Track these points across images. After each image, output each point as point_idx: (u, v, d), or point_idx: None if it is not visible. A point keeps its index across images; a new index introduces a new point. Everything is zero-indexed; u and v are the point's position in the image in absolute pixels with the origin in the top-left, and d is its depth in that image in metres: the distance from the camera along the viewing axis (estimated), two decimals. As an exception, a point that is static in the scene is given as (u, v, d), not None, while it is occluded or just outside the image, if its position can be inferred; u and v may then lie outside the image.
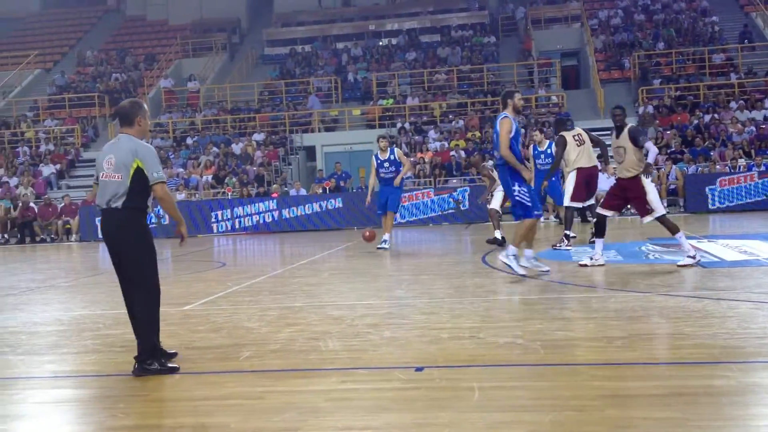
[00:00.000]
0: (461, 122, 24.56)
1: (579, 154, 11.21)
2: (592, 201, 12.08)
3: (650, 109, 23.15)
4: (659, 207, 9.07)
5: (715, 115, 22.20)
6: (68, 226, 21.55)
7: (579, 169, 11.16)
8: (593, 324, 6.12)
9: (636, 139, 8.95)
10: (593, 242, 9.61)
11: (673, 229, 8.86)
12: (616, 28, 29.26)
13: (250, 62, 32.61)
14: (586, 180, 11.22)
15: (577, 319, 6.38)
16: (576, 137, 11.24)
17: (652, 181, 9.94)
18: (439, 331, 6.09)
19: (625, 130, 9.09)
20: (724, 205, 18.26)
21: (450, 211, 19.44)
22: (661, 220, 8.97)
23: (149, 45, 35.35)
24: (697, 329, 5.72)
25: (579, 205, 11.71)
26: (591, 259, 9.25)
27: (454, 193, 19.59)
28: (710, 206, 18.33)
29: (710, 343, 5.35)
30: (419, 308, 7.24)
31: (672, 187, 19.20)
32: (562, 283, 8.57)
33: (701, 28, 27.98)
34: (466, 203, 19.32)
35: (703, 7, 29.36)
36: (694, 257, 8.78)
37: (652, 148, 9.37)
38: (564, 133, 11.34)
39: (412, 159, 22.58)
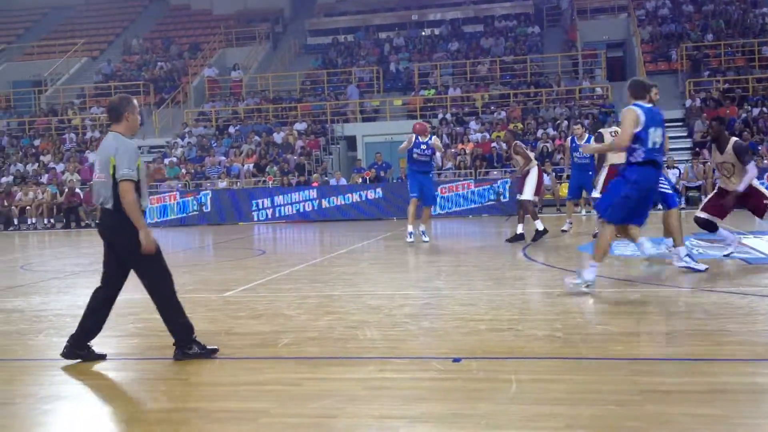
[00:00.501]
0: (503, 113, 24.38)
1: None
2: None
3: (698, 102, 22.73)
4: None
5: (764, 109, 21.72)
6: (113, 212, 21.91)
7: (611, 166, 11.13)
8: (635, 319, 6.05)
9: (742, 158, 8.81)
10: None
11: None
12: (663, 18, 28.73)
13: (293, 52, 32.76)
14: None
15: (618, 313, 6.31)
16: (613, 134, 11.13)
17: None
18: (477, 322, 6.08)
19: (730, 146, 8.90)
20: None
21: (490, 202, 19.34)
22: None
23: (193, 34, 35.72)
24: (741, 326, 5.61)
25: None
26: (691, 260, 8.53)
27: (495, 185, 19.47)
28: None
29: (754, 341, 5.25)
30: (457, 299, 7.23)
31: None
32: (603, 277, 8.47)
33: (751, 20, 27.34)
34: (507, 195, 19.18)
35: (755, -2, 28.73)
36: None
37: (752, 170, 8.98)
38: (602, 130, 11.35)
39: (453, 150, 22.51)
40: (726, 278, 7.84)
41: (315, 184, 21.29)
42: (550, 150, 21.28)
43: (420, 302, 7.15)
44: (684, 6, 29.18)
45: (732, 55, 25.41)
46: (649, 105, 7.03)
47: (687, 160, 19.85)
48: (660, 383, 4.31)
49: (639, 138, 6.81)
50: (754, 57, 24.85)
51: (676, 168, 18.80)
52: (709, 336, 5.34)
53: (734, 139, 9.07)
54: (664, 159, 12.04)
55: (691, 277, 8.08)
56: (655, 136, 6.89)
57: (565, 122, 22.86)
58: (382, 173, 22.12)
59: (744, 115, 21.69)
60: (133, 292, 5.95)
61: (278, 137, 25.16)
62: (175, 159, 24.56)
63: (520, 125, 23.55)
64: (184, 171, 23.71)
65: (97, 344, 5.31)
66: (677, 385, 4.27)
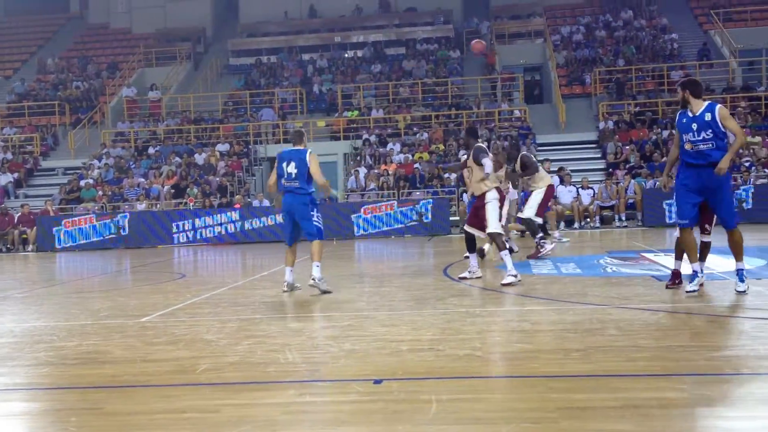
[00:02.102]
0: (425, 135, 24.68)
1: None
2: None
3: (611, 124, 23.50)
4: None
5: (673, 131, 22.60)
6: (25, 236, 21.18)
7: (549, 187, 11.86)
8: (551, 336, 6.17)
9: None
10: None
11: None
12: (578, 44, 29.68)
13: (215, 72, 32.45)
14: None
15: (536, 331, 6.43)
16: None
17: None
18: (398, 343, 6.09)
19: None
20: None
21: (413, 223, 19.50)
22: None
23: (112, 53, 34.99)
24: (652, 342, 5.80)
25: (539, 219, 12.07)
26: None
27: (418, 206, 19.65)
28: (668, 220, 18.60)
29: (664, 356, 5.43)
30: (380, 320, 7.24)
31: (630, 201, 19.48)
32: (522, 295, 8.64)
33: (661, 45, 28.50)
34: (429, 216, 19.38)
35: (663, 24, 29.92)
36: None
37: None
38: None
39: (376, 171, 22.64)
40: (636, 295, 8.08)
41: (237, 206, 21.05)
42: (471, 171, 21.64)
43: (342, 324, 7.14)
44: (597, 32, 30.21)
45: (643, 79, 26.40)
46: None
47: (601, 181, 20.46)
48: (575, 400, 4.41)
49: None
50: (663, 81, 25.89)
51: (591, 188, 19.37)
52: (623, 352, 5.48)
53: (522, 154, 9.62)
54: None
55: (606, 294, 8.31)
56: None
57: (485, 144, 23.29)
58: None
59: (654, 137, 22.54)
60: (45, 319, 5.74)
61: (200, 158, 24.82)
62: (91, 181, 23.92)
63: (441, 146, 23.87)
64: (101, 193, 23.10)
65: (5, 374, 5.10)
66: (592, 401, 4.37)
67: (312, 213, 9.19)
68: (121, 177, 24.18)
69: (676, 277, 8.21)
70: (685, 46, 28.24)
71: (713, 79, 25.85)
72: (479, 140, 9.99)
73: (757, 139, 21.29)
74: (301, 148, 9.32)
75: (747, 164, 20.36)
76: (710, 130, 7.38)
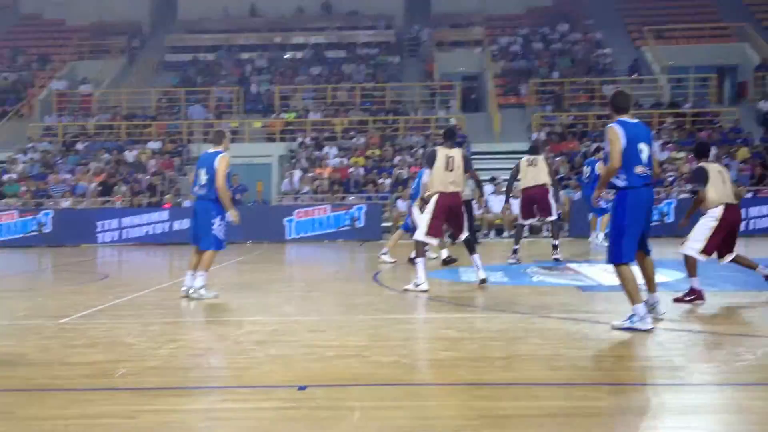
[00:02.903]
0: (362, 139, 24.70)
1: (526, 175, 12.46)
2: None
3: (543, 135, 23.92)
4: None
5: (600, 144, 23.12)
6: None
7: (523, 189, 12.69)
8: (476, 344, 6.23)
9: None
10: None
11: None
12: (515, 55, 30.14)
13: (150, 68, 31.81)
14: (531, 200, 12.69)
15: (462, 339, 6.47)
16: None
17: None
18: (325, 349, 6.06)
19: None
20: (607, 231, 18.95)
21: (346, 227, 19.46)
22: None
23: (44, 45, 33.96)
24: (574, 351, 5.91)
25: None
26: None
27: (351, 210, 19.62)
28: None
29: (585, 365, 5.54)
30: (307, 325, 7.19)
31: (558, 212, 19.81)
32: (450, 303, 8.70)
33: (594, 60, 29.18)
34: (362, 221, 19.37)
35: (598, 39, 30.62)
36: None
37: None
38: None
39: (310, 174, 22.53)
40: (560, 305, 8.22)
41: (167, 206, 20.66)
42: (405, 177, 21.72)
43: (268, 329, 7.06)
44: (534, 44, 30.74)
45: (576, 92, 26.98)
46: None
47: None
48: (498, 408, 4.45)
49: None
50: (595, 95, 26.51)
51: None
52: (546, 361, 5.57)
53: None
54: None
55: (531, 303, 8.44)
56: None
57: (421, 150, 23.44)
58: (237, 196, 21.78)
59: (584, 149, 23.05)
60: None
61: (130, 156, 24.29)
62: (15, 176, 23.14)
63: (378, 151, 23.92)
64: (24, 189, 22.37)
65: None
66: (514, 409, 4.43)
67: (213, 221, 8.79)
68: (46, 173, 23.46)
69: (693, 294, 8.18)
70: (617, 62, 28.97)
71: (642, 94, 26.56)
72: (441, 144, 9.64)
73: (682, 154, 21.97)
74: (219, 149, 8.88)
75: (670, 179, 20.99)
76: None
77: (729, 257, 8.41)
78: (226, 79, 30.00)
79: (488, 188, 20.12)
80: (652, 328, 6.43)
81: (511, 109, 26.48)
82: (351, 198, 21.36)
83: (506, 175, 22.38)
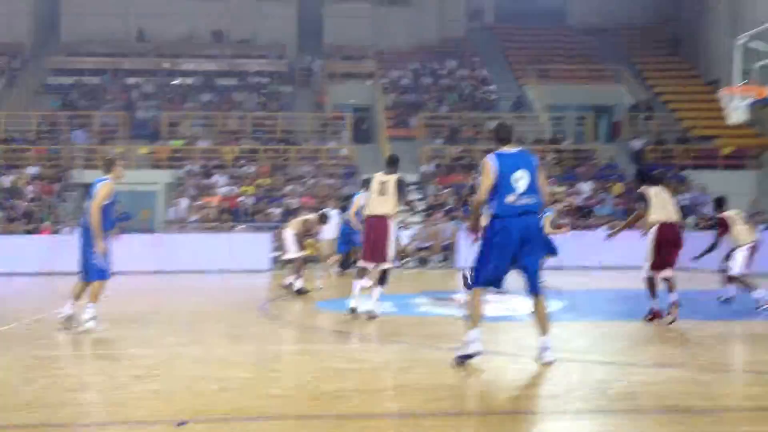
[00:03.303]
0: (252, 168, 24.49)
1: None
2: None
3: (432, 167, 24.43)
4: None
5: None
6: None
7: None
8: (363, 375, 6.25)
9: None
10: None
11: None
12: (405, 88, 30.74)
13: (31, 91, 30.50)
14: None
15: (348, 370, 6.48)
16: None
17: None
18: (208, 382, 5.93)
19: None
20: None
21: (232, 257, 19.11)
22: None
23: None
24: (459, 381, 6.02)
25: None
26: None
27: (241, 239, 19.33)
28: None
29: (469, 395, 5.66)
30: (191, 358, 7.03)
31: (446, 243, 20.24)
32: (338, 333, 8.71)
33: (480, 96, 30.13)
34: (250, 251, 19.10)
35: (483, 76, 31.65)
36: None
37: None
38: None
39: (198, 203, 22.12)
40: (446, 335, 8.37)
41: (45, 233, 19.76)
42: (295, 207, 21.67)
43: (149, 362, 6.85)
44: (423, 78, 31.47)
45: (463, 126, 27.71)
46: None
47: (420, 222, 21.15)
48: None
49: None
50: (481, 129, 27.33)
51: (410, 229, 19.94)
52: (431, 391, 5.64)
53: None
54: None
55: (417, 333, 8.55)
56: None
57: (311, 180, 23.47)
58: (120, 224, 21.11)
59: (471, 182, 23.68)
60: None
61: (6, 181, 23.16)
62: None
63: (268, 180, 23.76)
64: None
65: None
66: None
67: (92, 251, 8.34)
68: None
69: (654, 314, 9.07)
70: (502, 98, 30.00)
71: (525, 130, 27.58)
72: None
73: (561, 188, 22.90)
74: (107, 177, 8.60)
75: (547, 212, 21.81)
76: None
77: (667, 272, 9.12)
78: (112, 103, 29.15)
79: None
80: (479, 352, 6.33)
81: (401, 141, 26.90)
82: (240, 227, 21.10)
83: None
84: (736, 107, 11.29)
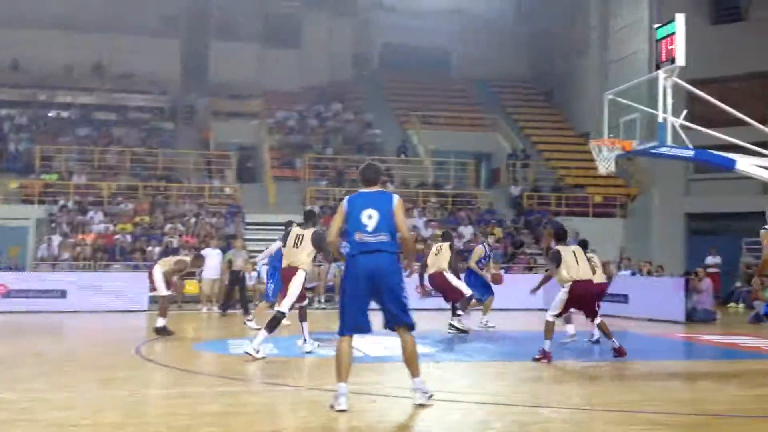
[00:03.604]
0: (130, 205, 23.74)
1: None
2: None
3: (317, 208, 24.46)
4: None
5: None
6: None
7: None
8: (242, 419, 6.11)
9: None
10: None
11: None
12: (291, 129, 30.77)
13: None
14: None
15: (227, 414, 6.32)
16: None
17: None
18: (75, 428, 5.65)
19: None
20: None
21: (110, 296, 18.35)
22: None
23: None
24: (341, 423, 5.98)
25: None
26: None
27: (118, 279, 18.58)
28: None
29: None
30: (56, 403, 6.66)
31: (330, 284, 20.21)
32: (216, 376, 8.49)
33: (365, 139, 30.54)
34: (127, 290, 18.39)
35: (368, 119, 32.14)
36: None
37: None
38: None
39: (71, 240, 21.21)
40: (330, 376, 8.31)
41: None
42: (175, 246, 21.12)
43: (14, 407, 6.44)
44: (309, 119, 31.62)
45: (348, 168, 27.95)
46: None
47: (305, 263, 21.01)
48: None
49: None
50: (366, 172, 27.64)
51: (295, 269, 19.77)
52: (309, 433, 5.58)
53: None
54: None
55: (299, 374, 8.45)
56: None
57: (193, 219, 22.98)
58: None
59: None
60: None
61: None
62: None
63: (147, 218, 23.09)
64: None
65: None
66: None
67: None
68: None
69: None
70: (386, 142, 30.52)
71: (409, 174, 28.14)
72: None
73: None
74: None
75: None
76: None
77: (597, 320, 10.13)
78: (-20, 134, 27.69)
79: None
80: (344, 410, 6.15)
81: (286, 181, 26.85)
82: (116, 266, 20.35)
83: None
84: (605, 158, 11.87)
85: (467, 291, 12.97)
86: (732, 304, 20.39)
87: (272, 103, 32.08)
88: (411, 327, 6.44)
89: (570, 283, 9.59)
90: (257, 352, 9.25)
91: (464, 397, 7.28)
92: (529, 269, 22.32)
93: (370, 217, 6.34)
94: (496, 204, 26.87)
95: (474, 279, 13.89)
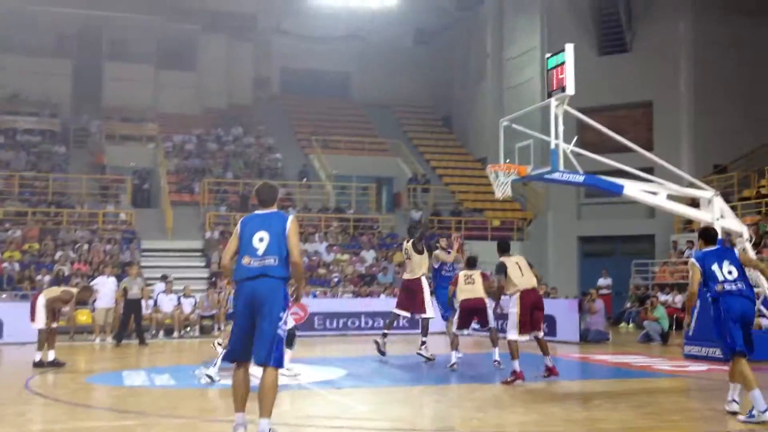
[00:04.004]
0: (18, 232, 22.68)
1: None
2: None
3: (216, 234, 24.04)
4: None
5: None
6: None
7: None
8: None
9: None
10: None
11: None
12: (189, 153, 30.20)
13: None
14: None
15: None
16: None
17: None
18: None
19: None
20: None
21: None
22: None
23: None
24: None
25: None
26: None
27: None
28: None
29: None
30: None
31: (230, 311, 19.82)
32: (112, 410, 8.18)
33: (266, 163, 30.31)
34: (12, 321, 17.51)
35: (269, 144, 31.93)
36: None
37: None
38: None
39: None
40: (227, 407, 8.13)
41: None
42: (66, 274, 20.28)
43: None
44: (208, 143, 31.12)
45: (249, 193, 27.65)
46: None
47: (203, 290, 20.58)
48: None
49: None
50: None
51: (193, 297, 19.32)
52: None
53: None
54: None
55: (196, 406, 8.24)
56: None
57: (86, 245, 22.16)
58: None
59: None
60: None
61: None
62: None
63: (36, 245, 22.12)
64: None
65: None
66: None
67: None
68: None
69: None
70: (288, 167, 30.37)
71: (311, 198, 28.08)
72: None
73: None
74: None
75: (335, 279, 22.21)
76: None
77: (536, 333, 9.98)
78: None
79: (159, 286, 19.55)
80: None
81: (184, 206, 26.30)
82: (2, 296, 19.38)
83: (178, 273, 22.14)
84: (501, 183, 12.20)
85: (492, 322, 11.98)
86: (623, 324, 21.21)
87: (169, 126, 31.45)
88: (276, 366, 6.05)
89: (518, 293, 9.76)
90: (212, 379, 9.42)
91: (366, 423, 7.27)
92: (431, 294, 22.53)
93: (261, 240, 6.12)
94: (397, 228, 27.14)
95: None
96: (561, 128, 11.83)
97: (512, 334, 9.78)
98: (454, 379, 10.77)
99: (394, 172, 31.07)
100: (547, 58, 12.20)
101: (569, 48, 11.67)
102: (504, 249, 10.33)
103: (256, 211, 6.40)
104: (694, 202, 13.45)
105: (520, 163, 12.34)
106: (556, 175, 11.97)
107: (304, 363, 12.55)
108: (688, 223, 22.39)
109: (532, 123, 13.48)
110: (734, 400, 7.47)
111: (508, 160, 12.49)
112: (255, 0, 33.38)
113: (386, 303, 20.69)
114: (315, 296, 20.59)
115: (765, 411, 6.90)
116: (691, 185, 13.63)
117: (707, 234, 7.84)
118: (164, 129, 31.09)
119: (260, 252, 6.09)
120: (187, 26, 33.36)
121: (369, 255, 24.17)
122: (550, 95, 11.96)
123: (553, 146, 11.79)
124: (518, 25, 30.17)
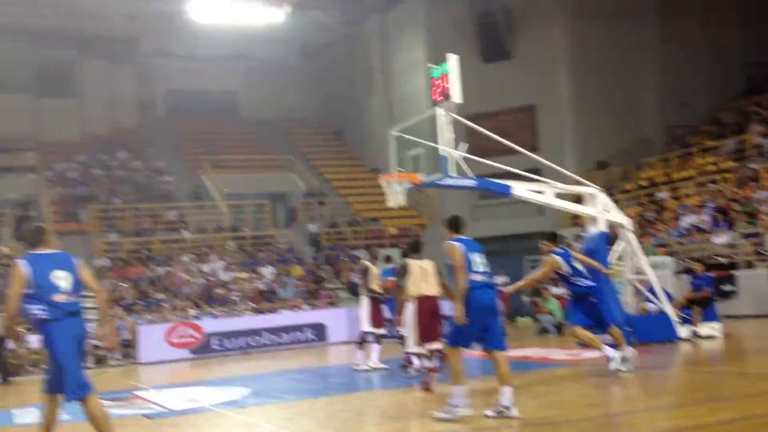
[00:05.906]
0: None
1: None
2: None
3: (107, 261, 23.22)
4: None
5: (169, 269, 23.24)
6: None
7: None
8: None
9: None
10: None
11: None
12: (73, 181, 29.07)
13: None
14: None
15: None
16: None
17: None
18: None
19: None
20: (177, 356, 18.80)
21: None
22: None
23: None
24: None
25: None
26: None
27: None
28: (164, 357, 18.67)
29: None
30: None
31: (126, 339, 19.12)
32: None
33: (156, 186, 29.50)
34: None
35: (158, 166, 31.10)
36: None
37: None
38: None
39: None
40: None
41: None
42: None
43: None
44: (93, 170, 30.02)
45: (140, 217, 26.81)
46: None
47: (94, 320, 19.75)
48: None
49: None
50: (158, 220, 26.66)
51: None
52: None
53: None
54: None
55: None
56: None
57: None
58: None
59: (150, 274, 22.89)
60: None
61: None
62: None
63: None
64: None
65: None
66: None
67: None
68: None
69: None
70: (179, 188, 29.63)
71: (206, 219, 27.47)
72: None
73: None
74: None
75: (235, 298, 21.84)
76: None
77: (435, 345, 9.33)
78: None
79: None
80: None
81: (71, 235, 25.26)
82: None
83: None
84: (395, 192, 12.30)
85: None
86: (519, 318, 21.86)
87: (49, 154, 30.16)
88: (82, 398, 6.30)
89: (416, 299, 9.32)
90: None
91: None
92: (331, 304, 22.51)
93: (62, 279, 6.30)
94: (295, 243, 26.94)
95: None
96: (451, 135, 12.05)
97: (409, 346, 9.69)
98: (359, 387, 10.76)
99: (289, 187, 30.88)
100: (431, 69, 12.39)
101: (453, 58, 11.89)
102: (415, 250, 9.88)
103: (38, 251, 6.43)
104: (579, 199, 13.95)
105: (412, 171, 12.48)
106: (448, 181, 12.18)
107: (205, 386, 12.27)
108: (575, 218, 23.21)
109: (422, 131, 13.66)
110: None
111: (400, 169, 12.60)
112: (135, 23, 32.49)
113: (289, 317, 20.54)
114: (215, 317, 20.23)
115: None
116: (576, 182, 14.15)
117: (454, 223, 8.12)
118: (44, 157, 29.83)
119: (65, 289, 6.29)
120: (65, 52, 32.17)
121: (268, 271, 23.90)
122: (435, 104, 12.16)
123: (442, 153, 11.99)
124: (403, 38, 30.64)
